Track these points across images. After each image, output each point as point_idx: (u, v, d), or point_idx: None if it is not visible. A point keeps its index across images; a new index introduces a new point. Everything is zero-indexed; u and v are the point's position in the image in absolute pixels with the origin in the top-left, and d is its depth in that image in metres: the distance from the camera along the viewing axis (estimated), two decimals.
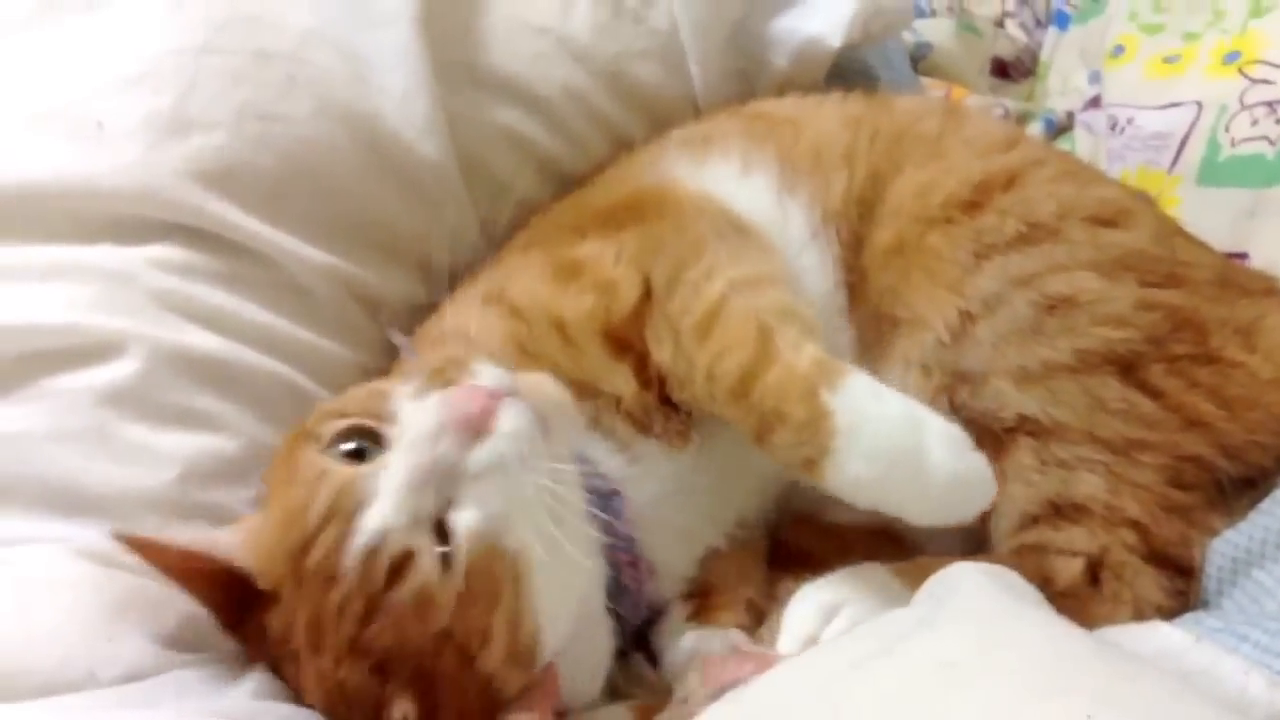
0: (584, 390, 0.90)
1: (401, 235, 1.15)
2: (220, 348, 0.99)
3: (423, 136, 1.14)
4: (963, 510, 0.83)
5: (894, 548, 0.95)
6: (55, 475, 0.89)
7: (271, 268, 1.06)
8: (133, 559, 0.83)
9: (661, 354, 0.91)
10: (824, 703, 0.64)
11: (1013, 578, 0.78)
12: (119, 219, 1.02)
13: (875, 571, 0.87)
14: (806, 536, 0.86)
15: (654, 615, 0.97)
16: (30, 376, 0.92)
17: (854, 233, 1.03)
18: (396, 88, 1.14)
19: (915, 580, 0.78)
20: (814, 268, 1.03)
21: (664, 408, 0.93)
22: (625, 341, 0.92)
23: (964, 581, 0.75)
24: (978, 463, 0.83)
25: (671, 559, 0.96)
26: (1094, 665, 0.63)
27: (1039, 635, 0.67)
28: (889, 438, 0.82)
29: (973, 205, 0.99)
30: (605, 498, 0.88)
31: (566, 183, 1.24)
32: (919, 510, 0.82)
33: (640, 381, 0.92)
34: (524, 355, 0.91)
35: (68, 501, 0.88)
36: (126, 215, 1.02)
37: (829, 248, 1.03)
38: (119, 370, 0.93)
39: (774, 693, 0.70)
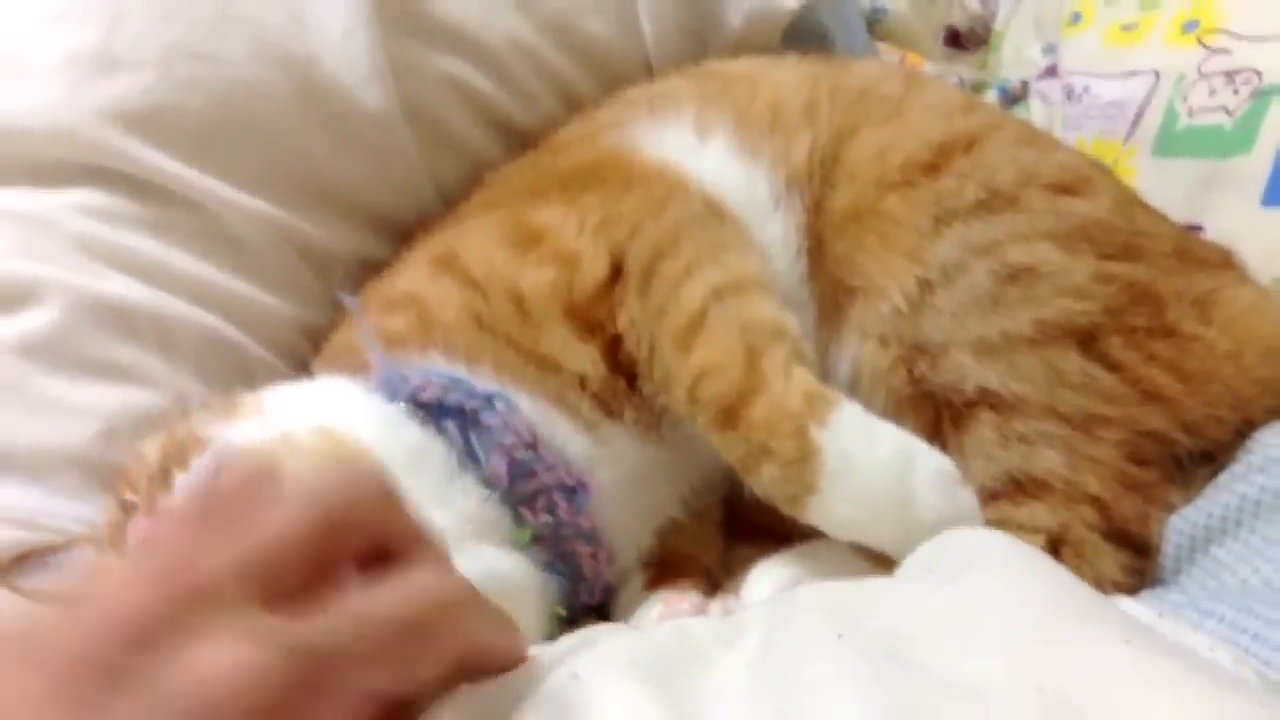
0: (545, 365, 0.87)
1: (343, 186, 1.10)
2: (146, 297, 0.94)
3: (364, 83, 1.09)
4: None
5: None
6: None
7: (202, 215, 1.01)
8: (57, 524, 0.81)
9: (639, 350, 0.87)
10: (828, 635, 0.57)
11: (1011, 536, 0.73)
12: (39, 161, 0.97)
13: (836, 547, 0.84)
14: (766, 508, 0.84)
15: (611, 589, 0.94)
16: None
17: (814, 196, 1.00)
18: (336, 30, 1.09)
19: (877, 556, 0.76)
20: (778, 239, 0.99)
21: (635, 397, 0.89)
22: (593, 321, 0.88)
23: (969, 541, 0.72)
24: (966, 501, 0.81)
25: (630, 536, 0.92)
26: (1110, 606, 0.60)
27: (1062, 574, 0.63)
28: (877, 483, 0.80)
29: (932, 168, 0.96)
30: (569, 492, 0.84)
31: (518, 138, 1.20)
32: (901, 548, 0.78)
33: (609, 365, 0.88)
34: (481, 329, 0.87)
35: None
36: (47, 157, 0.97)
37: (792, 214, 0.99)
38: (36, 320, 0.89)
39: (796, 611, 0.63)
